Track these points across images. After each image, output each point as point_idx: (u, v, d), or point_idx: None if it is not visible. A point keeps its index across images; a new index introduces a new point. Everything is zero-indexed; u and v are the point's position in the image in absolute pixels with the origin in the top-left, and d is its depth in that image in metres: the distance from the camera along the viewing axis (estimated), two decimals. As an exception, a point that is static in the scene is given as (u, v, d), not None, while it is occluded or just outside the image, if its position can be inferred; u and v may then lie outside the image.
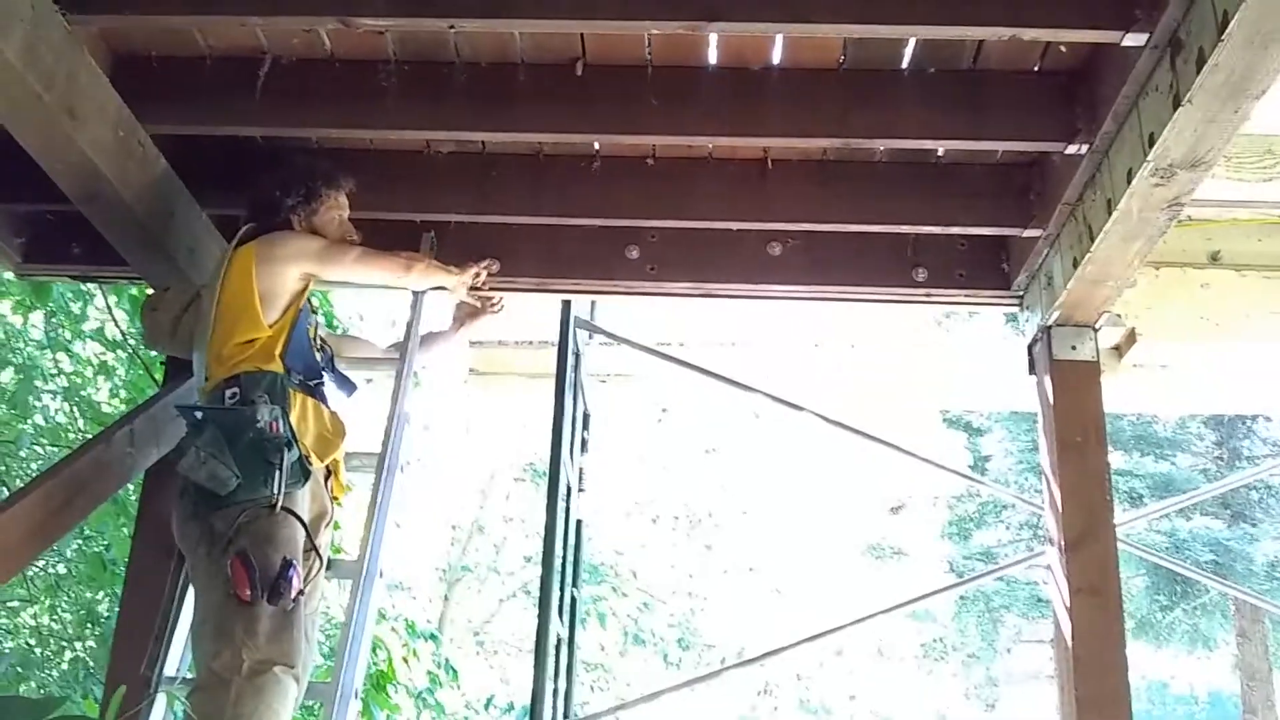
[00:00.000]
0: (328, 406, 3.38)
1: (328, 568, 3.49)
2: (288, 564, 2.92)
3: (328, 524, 3.34)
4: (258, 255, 3.32)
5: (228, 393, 3.15)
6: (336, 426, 3.36)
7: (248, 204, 3.54)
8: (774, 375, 4.77)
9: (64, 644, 6.84)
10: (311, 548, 3.17)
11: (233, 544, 2.90)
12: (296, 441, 3.10)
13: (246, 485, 2.96)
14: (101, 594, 6.46)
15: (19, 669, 6.28)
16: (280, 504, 2.97)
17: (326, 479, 3.36)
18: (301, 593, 2.95)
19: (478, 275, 3.81)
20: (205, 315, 3.31)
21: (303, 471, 3.09)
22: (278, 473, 2.98)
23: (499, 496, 14.62)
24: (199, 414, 3.11)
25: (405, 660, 6.58)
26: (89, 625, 6.58)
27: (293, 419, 3.15)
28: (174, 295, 3.58)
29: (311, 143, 3.72)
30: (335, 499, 3.45)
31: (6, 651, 6.42)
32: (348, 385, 3.61)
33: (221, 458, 2.96)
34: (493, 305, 3.96)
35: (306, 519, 3.13)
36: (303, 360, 3.32)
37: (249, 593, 2.84)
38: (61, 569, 6.69)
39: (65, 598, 6.82)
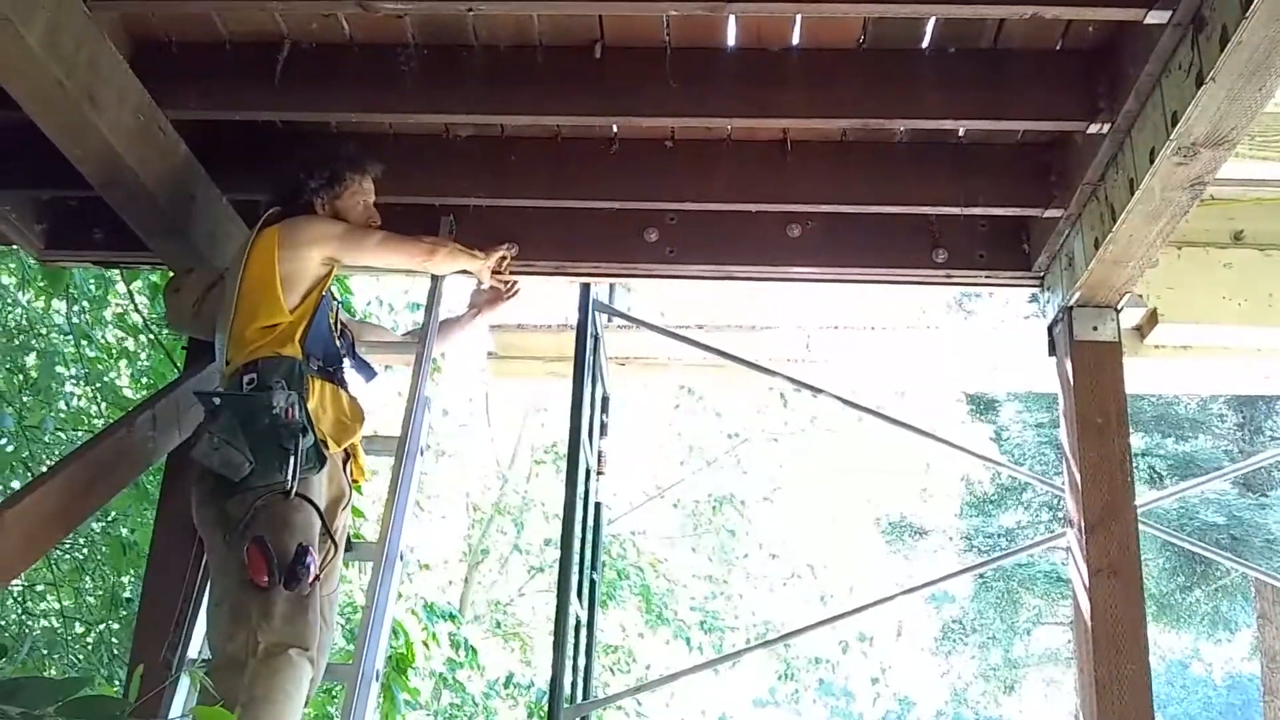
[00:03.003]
0: (347, 392, 3.39)
1: (348, 549, 3.51)
2: (304, 550, 2.93)
3: (345, 506, 3.36)
4: (280, 239, 3.32)
5: (245, 378, 3.16)
6: (355, 412, 3.37)
7: (270, 188, 3.54)
8: (794, 358, 4.77)
9: (88, 626, 6.91)
10: (326, 533, 3.19)
11: (249, 530, 2.92)
12: (312, 427, 3.11)
13: (260, 471, 2.97)
14: (125, 577, 6.51)
15: (44, 651, 6.35)
16: (295, 490, 2.98)
17: (345, 463, 3.38)
18: (317, 578, 2.97)
19: (502, 259, 3.81)
20: (227, 299, 3.32)
21: (318, 457, 3.10)
22: (293, 459, 2.99)
23: (519, 479, 14.65)
24: (216, 400, 3.13)
25: (425, 644, 6.61)
26: (112, 608, 6.64)
27: (310, 405, 3.16)
28: (197, 277, 3.59)
29: (331, 127, 3.72)
30: (355, 482, 3.46)
31: (32, 634, 6.48)
32: (367, 370, 3.62)
33: (235, 443, 2.98)
34: (510, 290, 3.95)
35: (323, 502, 3.15)
36: (323, 346, 3.33)
37: (266, 578, 2.85)
38: (85, 552, 6.74)
39: (89, 581, 6.88)
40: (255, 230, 3.38)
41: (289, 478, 2.97)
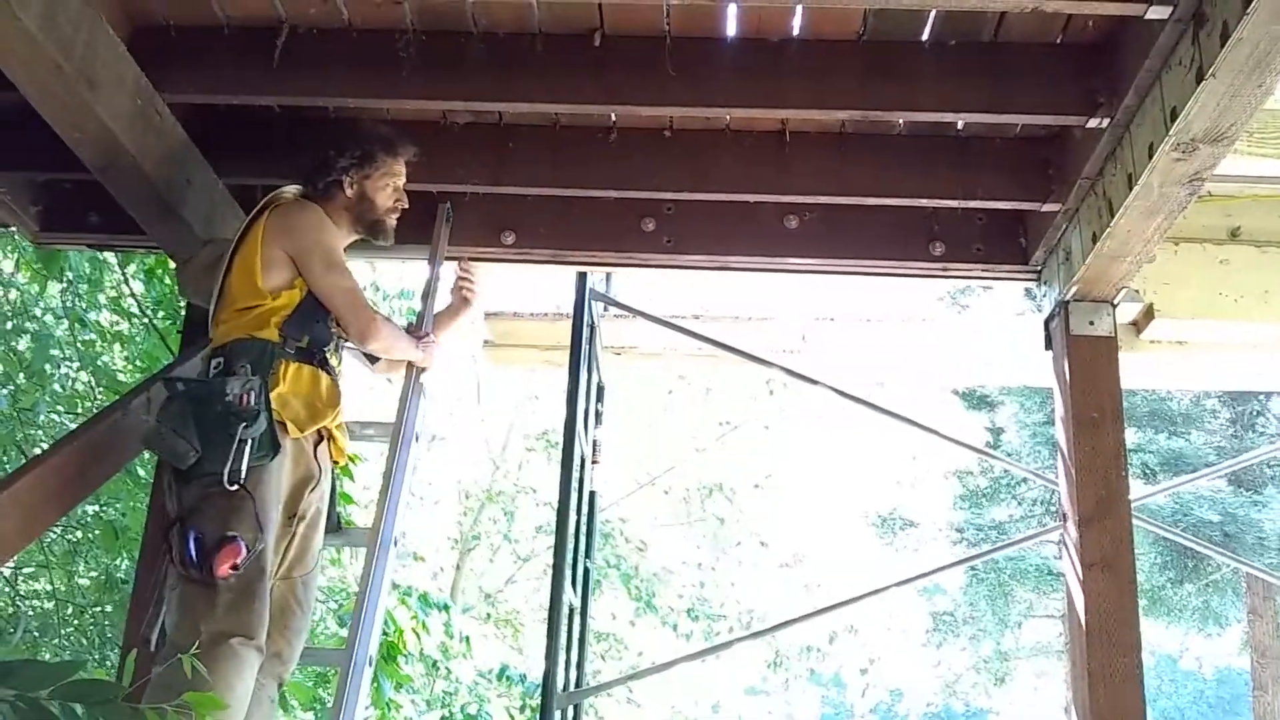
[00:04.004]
0: (330, 375, 3.33)
1: (336, 532, 3.50)
2: (226, 540, 2.88)
3: (313, 489, 3.27)
4: (268, 224, 3.29)
5: (213, 361, 3.16)
6: (331, 396, 3.31)
7: (301, 166, 3.51)
8: (789, 349, 4.78)
9: (82, 609, 6.90)
10: (289, 518, 3.17)
11: (187, 520, 2.92)
12: (269, 412, 3.05)
13: (209, 458, 2.95)
14: (119, 559, 6.52)
15: (37, 634, 6.35)
16: (239, 480, 2.94)
17: (318, 445, 3.32)
18: (235, 569, 2.89)
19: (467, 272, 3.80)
20: (216, 278, 3.30)
21: (271, 444, 3.04)
22: (237, 448, 2.95)
23: (511, 466, 14.66)
24: (180, 386, 3.12)
25: (415, 632, 6.61)
26: (106, 590, 6.64)
27: (280, 389, 3.13)
28: (211, 249, 3.52)
29: (329, 112, 3.71)
30: (336, 463, 3.43)
31: (25, 616, 6.48)
32: (370, 357, 3.59)
33: (182, 431, 2.96)
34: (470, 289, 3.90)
35: (286, 486, 3.12)
36: (308, 330, 3.27)
37: (182, 568, 2.87)
38: (78, 535, 6.74)
39: (83, 563, 6.88)
40: (254, 212, 3.36)
41: (233, 466, 2.93)
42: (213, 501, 2.94)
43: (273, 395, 3.09)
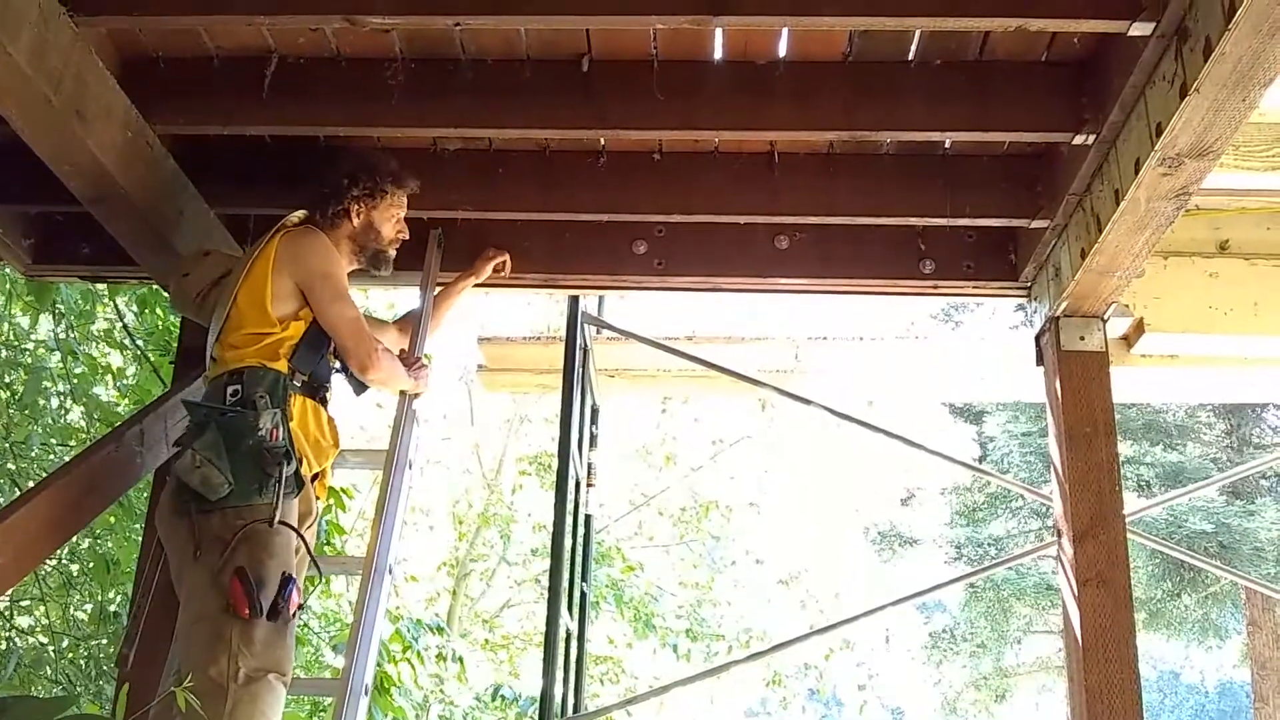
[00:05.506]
0: (327, 411, 3.35)
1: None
2: (288, 580, 2.92)
3: (311, 525, 3.31)
4: (278, 251, 3.29)
5: (229, 388, 3.13)
6: (334, 435, 3.34)
7: (306, 193, 3.50)
8: (782, 368, 4.79)
9: (77, 642, 6.86)
10: (309, 556, 3.17)
11: (231, 558, 2.89)
12: (294, 450, 3.08)
13: (238, 491, 2.95)
14: (114, 592, 6.48)
15: (30, 668, 6.31)
16: (278, 518, 2.96)
17: (313, 480, 3.33)
18: (301, 606, 2.95)
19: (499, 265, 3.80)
20: (225, 299, 3.28)
21: (298, 483, 3.08)
22: (276, 485, 2.97)
23: (506, 489, 14.62)
24: (204, 412, 3.11)
25: (409, 662, 6.58)
26: (100, 624, 6.59)
27: (292, 423, 3.14)
28: (210, 263, 3.49)
29: (319, 141, 3.72)
30: (319, 498, 3.44)
31: (19, 650, 6.45)
32: (359, 384, 3.59)
33: (217, 462, 2.95)
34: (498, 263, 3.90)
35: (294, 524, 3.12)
36: (313, 364, 3.28)
37: (247, 611, 2.84)
38: (74, 568, 6.70)
39: (77, 596, 6.84)
40: (268, 235, 3.35)
41: (272, 503, 2.95)
42: (261, 540, 2.94)
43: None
